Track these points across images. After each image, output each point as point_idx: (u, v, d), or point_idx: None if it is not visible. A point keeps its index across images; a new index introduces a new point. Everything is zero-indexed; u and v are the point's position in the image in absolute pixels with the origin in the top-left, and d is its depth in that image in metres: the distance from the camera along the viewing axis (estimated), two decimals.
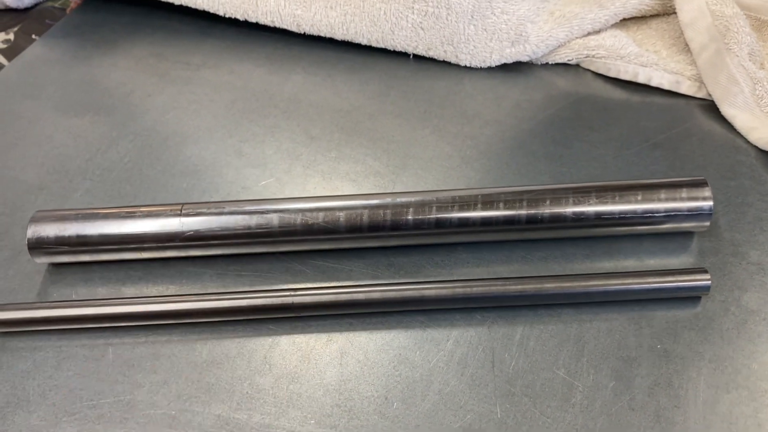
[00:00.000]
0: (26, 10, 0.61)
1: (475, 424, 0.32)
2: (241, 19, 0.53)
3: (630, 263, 0.38)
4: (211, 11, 0.54)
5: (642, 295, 0.36)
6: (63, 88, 0.52)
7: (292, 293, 0.35)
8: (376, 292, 0.35)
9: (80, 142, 0.47)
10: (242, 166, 0.45)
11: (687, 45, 0.49)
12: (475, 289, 0.35)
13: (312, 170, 0.44)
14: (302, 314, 0.35)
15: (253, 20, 0.53)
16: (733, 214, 0.40)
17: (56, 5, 0.61)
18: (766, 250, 0.38)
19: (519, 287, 0.35)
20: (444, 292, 0.35)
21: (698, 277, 0.35)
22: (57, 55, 0.55)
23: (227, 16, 0.53)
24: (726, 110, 0.46)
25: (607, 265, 0.38)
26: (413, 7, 0.49)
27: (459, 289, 0.35)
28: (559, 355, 0.34)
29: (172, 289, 0.38)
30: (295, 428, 0.32)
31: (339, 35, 0.52)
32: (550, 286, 0.35)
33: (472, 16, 0.48)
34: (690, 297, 0.36)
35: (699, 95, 0.48)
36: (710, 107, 0.47)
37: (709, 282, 0.35)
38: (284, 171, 0.44)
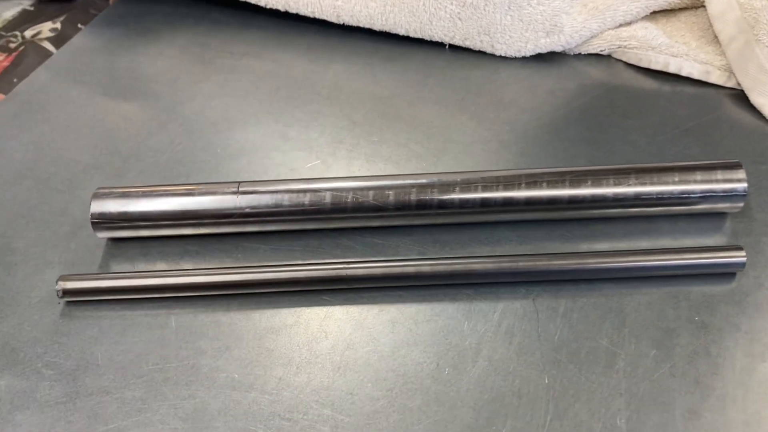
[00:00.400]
0: (71, 0, 0.62)
1: (524, 388, 0.33)
2: (282, 10, 0.55)
3: (666, 242, 0.40)
4: (253, 2, 0.55)
5: (680, 271, 0.37)
6: (110, 74, 0.54)
7: (345, 266, 0.37)
8: (426, 266, 0.37)
9: (130, 125, 0.49)
10: (289, 150, 0.46)
11: (716, 36, 0.51)
12: (520, 263, 0.37)
13: (356, 153, 0.46)
14: (355, 286, 0.37)
15: (294, 11, 0.55)
16: (764, 196, 0.42)
17: None
18: None
19: (562, 262, 0.37)
20: (490, 266, 0.37)
21: (734, 254, 0.37)
22: (103, 43, 0.57)
23: (268, 7, 0.55)
24: (755, 99, 0.48)
25: (644, 243, 0.40)
26: None
27: (505, 264, 0.37)
28: (602, 326, 0.36)
29: (227, 263, 0.40)
30: (353, 390, 0.34)
31: (378, 26, 0.54)
32: (592, 261, 0.37)
33: (508, 7, 0.50)
34: (725, 273, 0.38)
35: (728, 85, 0.50)
36: (740, 96, 0.49)
37: (745, 258, 0.37)
38: (329, 154, 0.46)
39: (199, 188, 0.40)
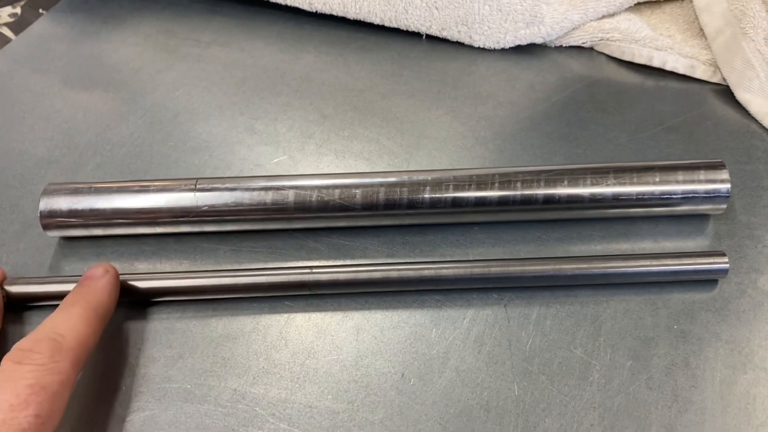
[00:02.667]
0: None
1: (493, 401, 0.32)
2: None
3: (646, 245, 0.38)
4: None
5: (661, 278, 0.35)
6: (71, 62, 0.51)
7: (309, 271, 0.35)
8: (394, 271, 0.35)
9: (89, 116, 0.47)
10: (254, 144, 0.44)
11: (701, 29, 0.49)
12: (493, 269, 0.35)
13: (325, 149, 0.44)
14: (319, 292, 0.35)
15: None
16: (748, 197, 0.40)
17: None
18: None
19: (537, 267, 0.35)
20: (461, 271, 0.35)
21: (717, 260, 0.35)
22: (64, 29, 0.54)
23: None
24: (741, 95, 0.46)
25: (624, 246, 0.38)
26: None
27: (476, 269, 0.35)
28: (576, 335, 0.34)
29: (185, 264, 0.38)
30: (311, 402, 0.32)
31: (351, 14, 0.51)
32: (568, 266, 0.35)
33: None
34: (707, 280, 0.36)
35: (714, 80, 0.48)
36: (725, 92, 0.47)
37: (728, 265, 0.35)
38: (297, 149, 0.44)
39: (155, 185, 0.37)
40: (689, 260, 0.35)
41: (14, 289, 0.35)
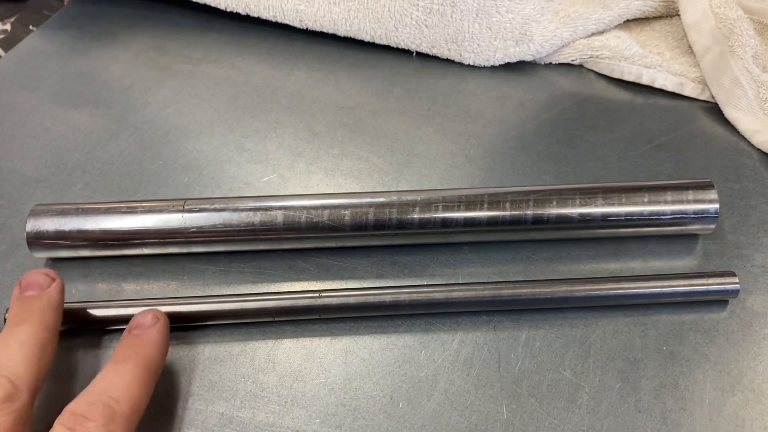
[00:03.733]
0: (24, 0, 0.60)
1: (482, 424, 0.32)
2: (243, 13, 0.53)
3: (636, 265, 0.38)
4: (212, 5, 0.53)
5: (671, 299, 0.35)
6: (61, 80, 0.51)
7: (299, 296, 0.35)
8: (387, 295, 0.35)
9: (79, 135, 0.46)
10: (244, 162, 0.44)
11: (690, 47, 0.49)
12: (486, 292, 0.35)
13: (315, 167, 0.44)
14: (309, 317, 0.35)
15: (255, 15, 0.52)
16: (737, 216, 0.40)
17: None
18: None
19: (529, 290, 0.35)
20: (454, 294, 0.35)
21: (727, 280, 0.35)
22: (55, 46, 0.54)
23: (229, 9, 0.53)
24: (729, 113, 0.46)
25: (613, 266, 0.38)
26: (418, 4, 0.48)
27: (468, 293, 0.35)
28: (565, 356, 0.34)
29: (173, 285, 0.37)
30: (299, 427, 0.32)
31: (342, 31, 0.51)
32: (561, 289, 0.35)
33: (476, 15, 0.48)
34: (719, 300, 0.36)
35: (702, 97, 0.48)
36: (714, 109, 0.47)
37: (738, 285, 0.35)
38: (287, 167, 0.44)
39: (143, 206, 0.37)
40: (700, 281, 0.35)
41: None
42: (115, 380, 0.28)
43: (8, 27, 0.57)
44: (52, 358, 0.30)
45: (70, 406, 0.27)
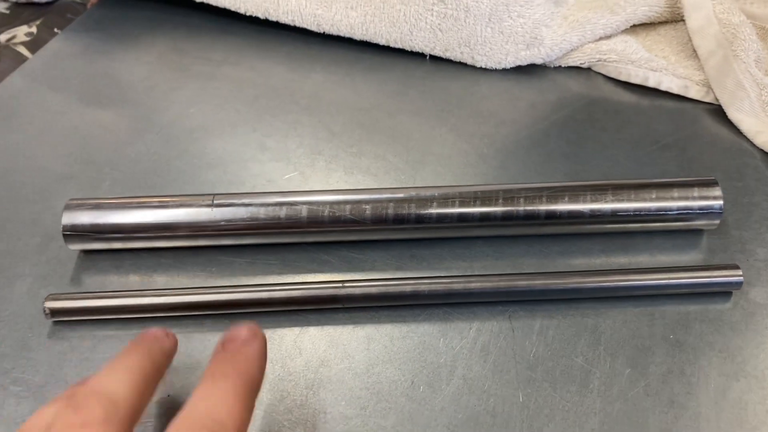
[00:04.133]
0: (48, 4, 0.62)
1: (498, 407, 0.33)
2: (262, 17, 0.55)
3: (643, 258, 0.40)
4: (232, 9, 0.55)
5: (678, 290, 0.37)
6: (87, 80, 0.53)
7: (324, 286, 0.36)
8: (407, 286, 0.36)
9: (106, 133, 0.48)
10: (266, 160, 0.46)
11: (695, 51, 0.51)
12: (501, 283, 0.37)
13: (334, 165, 0.46)
14: (333, 306, 0.37)
15: (274, 19, 0.54)
16: (740, 213, 0.42)
17: (77, 0, 0.62)
18: None
19: (542, 282, 0.37)
20: (471, 285, 0.36)
21: (731, 272, 0.37)
22: (79, 48, 0.56)
23: (248, 14, 0.55)
24: (733, 114, 0.48)
25: (622, 260, 0.40)
26: (432, 9, 0.50)
27: (485, 284, 0.37)
28: (577, 344, 0.36)
29: (202, 277, 0.39)
30: (325, 408, 0.33)
31: (358, 35, 0.53)
32: (573, 281, 0.37)
33: (489, 19, 0.50)
34: (723, 292, 0.38)
35: (706, 99, 0.50)
36: (717, 111, 0.49)
37: (742, 278, 0.37)
38: (307, 165, 0.46)
39: (173, 200, 0.39)
40: (705, 273, 0.37)
41: (56, 305, 0.36)
42: (217, 402, 0.26)
43: (34, 30, 0.59)
44: (152, 398, 0.28)
45: (173, 428, 0.25)
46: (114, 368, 0.27)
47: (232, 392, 0.26)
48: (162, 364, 0.30)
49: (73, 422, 0.24)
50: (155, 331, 0.31)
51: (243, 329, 0.29)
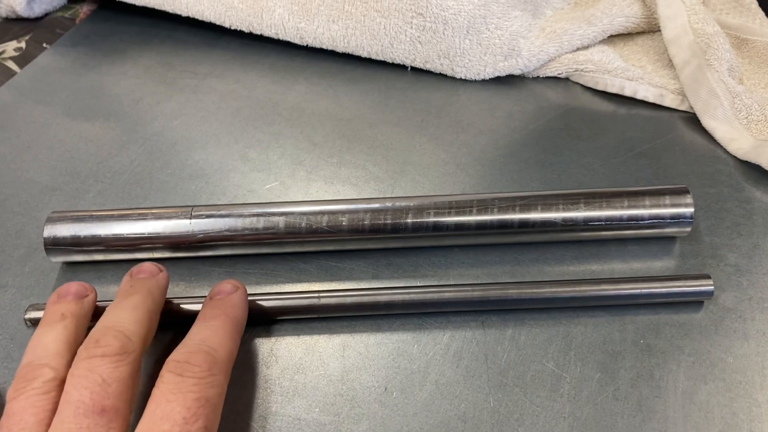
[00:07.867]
0: (37, 19, 0.63)
1: (470, 412, 0.34)
2: (246, 31, 0.56)
3: (616, 265, 0.40)
4: (218, 23, 0.56)
5: (651, 300, 0.38)
6: (74, 94, 0.54)
7: (299, 296, 0.37)
8: (382, 296, 0.37)
9: (91, 146, 0.49)
10: (248, 171, 0.47)
11: (670, 61, 0.52)
12: (475, 293, 0.37)
13: (315, 175, 0.47)
14: (309, 316, 0.37)
15: (258, 32, 0.55)
16: (712, 219, 0.43)
17: (66, 15, 0.63)
18: (743, 253, 0.41)
19: (516, 291, 0.37)
20: (445, 296, 0.37)
21: (702, 282, 0.37)
22: (67, 63, 0.57)
23: (233, 28, 0.56)
24: (707, 122, 0.49)
25: (595, 267, 0.40)
26: (412, 23, 0.51)
27: (459, 294, 0.37)
28: (548, 349, 0.36)
29: (182, 286, 0.40)
30: (300, 415, 0.34)
31: (340, 48, 0.54)
32: (546, 290, 0.37)
33: (467, 32, 0.51)
34: (695, 301, 0.38)
35: (682, 108, 0.51)
36: (692, 119, 0.50)
37: (713, 287, 0.37)
38: (288, 175, 0.46)
39: (153, 212, 0.40)
40: (677, 283, 0.37)
41: (37, 315, 0.37)
42: (209, 334, 0.31)
43: (23, 45, 0.60)
44: (154, 332, 0.33)
45: (173, 356, 0.30)
46: (122, 307, 0.32)
47: (221, 328, 0.32)
48: (160, 298, 0.35)
49: (95, 353, 0.29)
50: (149, 267, 0.35)
51: (227, 284, 0.35)
